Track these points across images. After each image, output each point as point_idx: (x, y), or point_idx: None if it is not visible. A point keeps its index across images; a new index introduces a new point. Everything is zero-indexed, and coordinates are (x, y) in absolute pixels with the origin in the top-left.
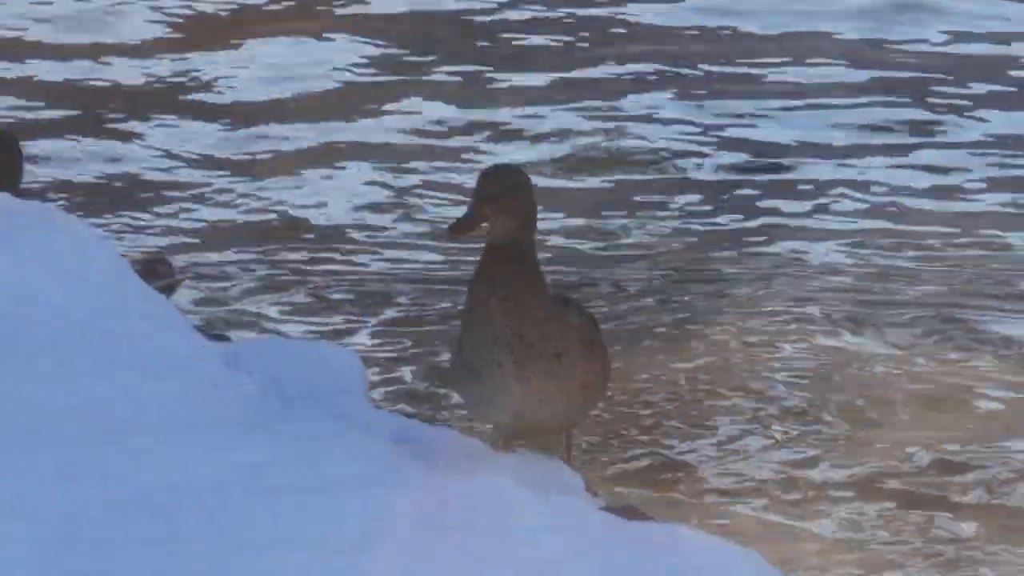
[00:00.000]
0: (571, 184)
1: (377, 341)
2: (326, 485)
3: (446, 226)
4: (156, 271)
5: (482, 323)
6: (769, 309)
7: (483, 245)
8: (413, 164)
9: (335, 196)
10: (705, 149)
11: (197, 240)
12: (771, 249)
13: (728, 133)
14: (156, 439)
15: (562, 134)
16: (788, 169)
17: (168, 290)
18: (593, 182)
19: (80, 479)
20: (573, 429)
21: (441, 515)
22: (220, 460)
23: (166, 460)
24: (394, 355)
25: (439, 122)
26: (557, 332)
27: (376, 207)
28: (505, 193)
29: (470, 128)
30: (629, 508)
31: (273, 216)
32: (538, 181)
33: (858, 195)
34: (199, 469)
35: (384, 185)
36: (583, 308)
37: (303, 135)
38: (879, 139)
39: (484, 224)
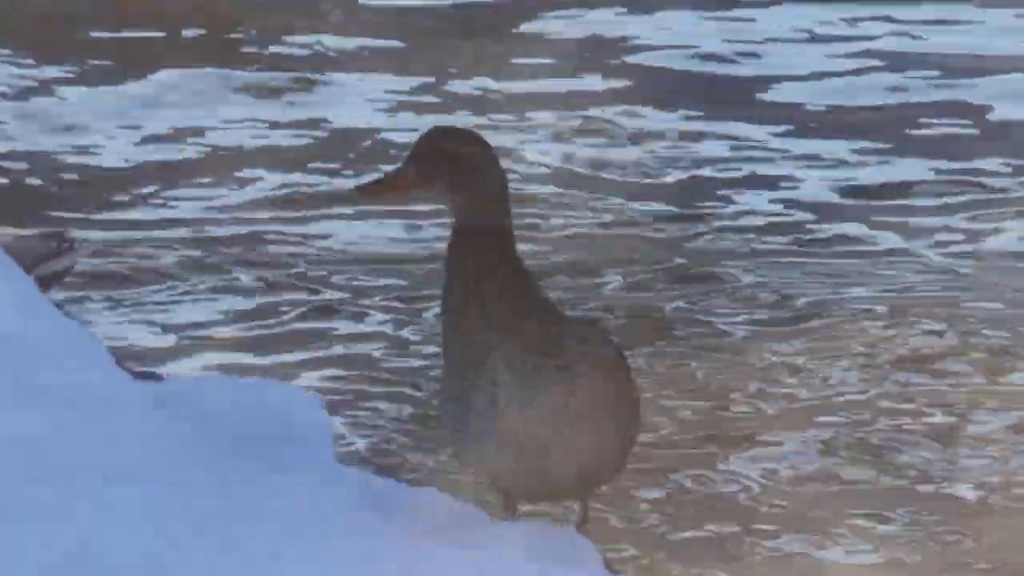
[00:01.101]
0: None
1: (338, 372)
2: (273, 553)
3: (352, 186)
4: (48, 250)
5: (462, 335)
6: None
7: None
8: None
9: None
10: None
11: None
12: None
13: None
14: (87, 485)
15: None
16: None
17: (62, 273)
18: None
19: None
20: (596, 487)
21: None
22: (160, 511)
23: (100, 510)
24: (364, 389)
25: None
26: (562, 340)
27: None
28: (455, 157)
29: None
30: None
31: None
32: None
33: None
34: (138, 521)
35: None
36: (590, 319)
37: None
38: None
39: (406, 191)
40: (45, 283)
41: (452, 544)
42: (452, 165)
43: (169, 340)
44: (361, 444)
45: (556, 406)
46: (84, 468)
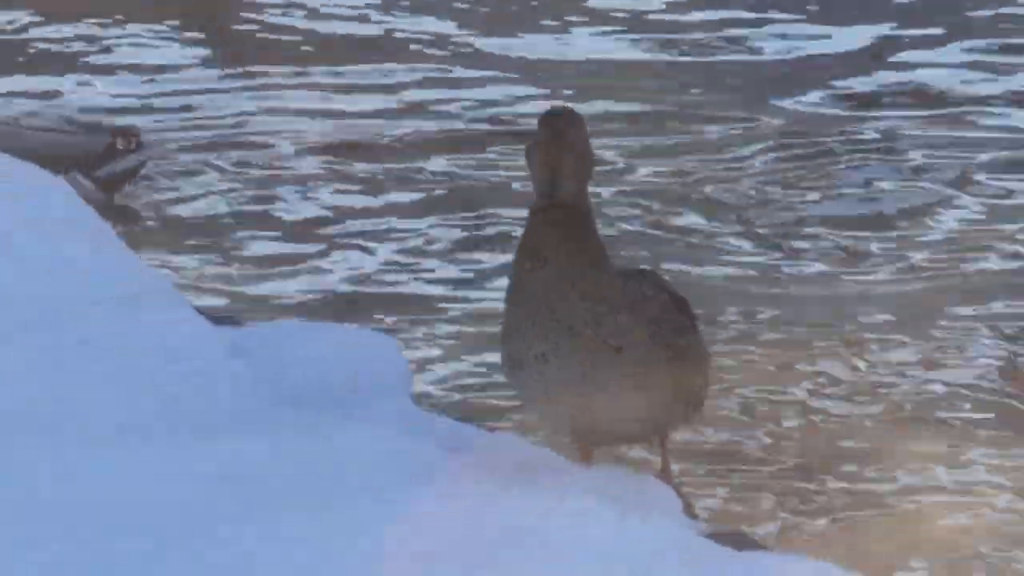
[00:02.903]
0: None
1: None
2: (350, 499)
3: (536, 200)
4: (116, 150)
5: (522, 302)
6: None
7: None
8: None
9: None
10: None
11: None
12: None
13: None
14: (144, 440)
15: None
16: None
17: (131, 173)
18: None
19: (62, 485)
20: (667, 436)
21: (500, 541)
22: (222, 465)
23: (153, 466)
24: (445, 341)
25: None
26: (619, 316)
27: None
28: (578, 141)
29: None
30: (737, 535)
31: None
32: None
33: None
34: (191, 479)
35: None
36: (662, 281)
37: None
38: None
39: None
40: (112, 185)
41: (527, 488)
42: (585, 145)
43: None
44: (436, 388)
45: (598, 381)
46: (177, 416)
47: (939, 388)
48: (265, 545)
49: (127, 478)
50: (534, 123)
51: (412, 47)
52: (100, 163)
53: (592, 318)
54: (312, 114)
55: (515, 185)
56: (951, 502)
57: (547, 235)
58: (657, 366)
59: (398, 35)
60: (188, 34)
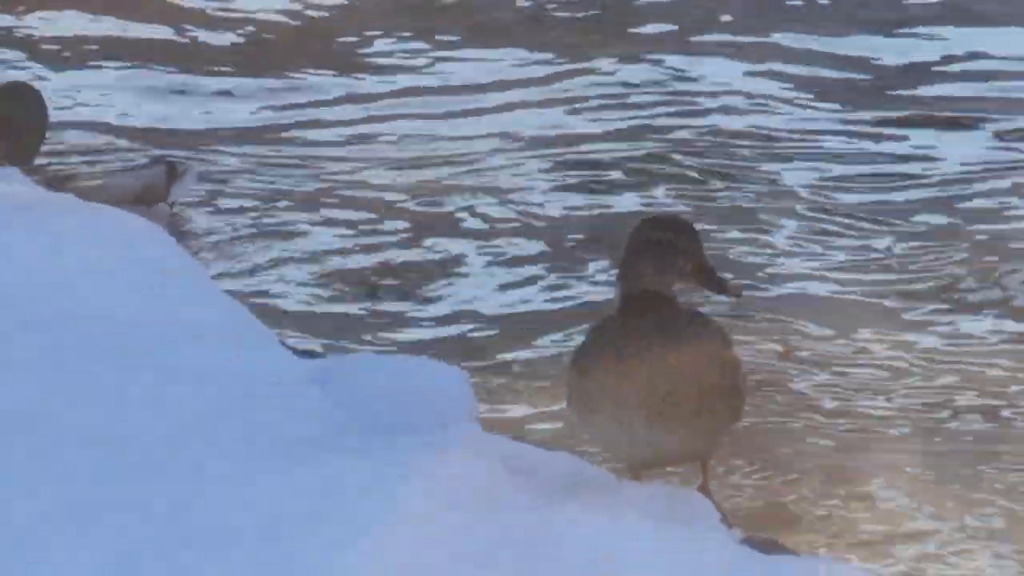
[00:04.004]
0: None
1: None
2: (424, 515)
3: (738, 293)
4: (176, 173)
5: (618, 344)
6: None
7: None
8: None
9: None
10: None
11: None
12: None
13: None
14: (265, 456)
15: None
16: None
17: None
18: None
19: (139, 507)
20: (709, 459)
21: (551, 557)
22: (310, 488)
23: (275, 482)
24: (504, 368)
25: None
26: (700, 383)
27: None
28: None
29: None
30: (769, 541)
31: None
32: None
33: None
34: (314, 494)
35: None
36: (717, 325)
37: None
38: None
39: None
40: (178, 205)
41: (579, 504)
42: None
43: None
44: (500, 414)
45: (653, 396)
46: (261, 440)
47: None
48: (342, 552)
49: (232, 498)
50: None
51: None
52: (169, 189)
53: (678, 386)
54: None
55: None
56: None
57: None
58: (718, 412)
59: None
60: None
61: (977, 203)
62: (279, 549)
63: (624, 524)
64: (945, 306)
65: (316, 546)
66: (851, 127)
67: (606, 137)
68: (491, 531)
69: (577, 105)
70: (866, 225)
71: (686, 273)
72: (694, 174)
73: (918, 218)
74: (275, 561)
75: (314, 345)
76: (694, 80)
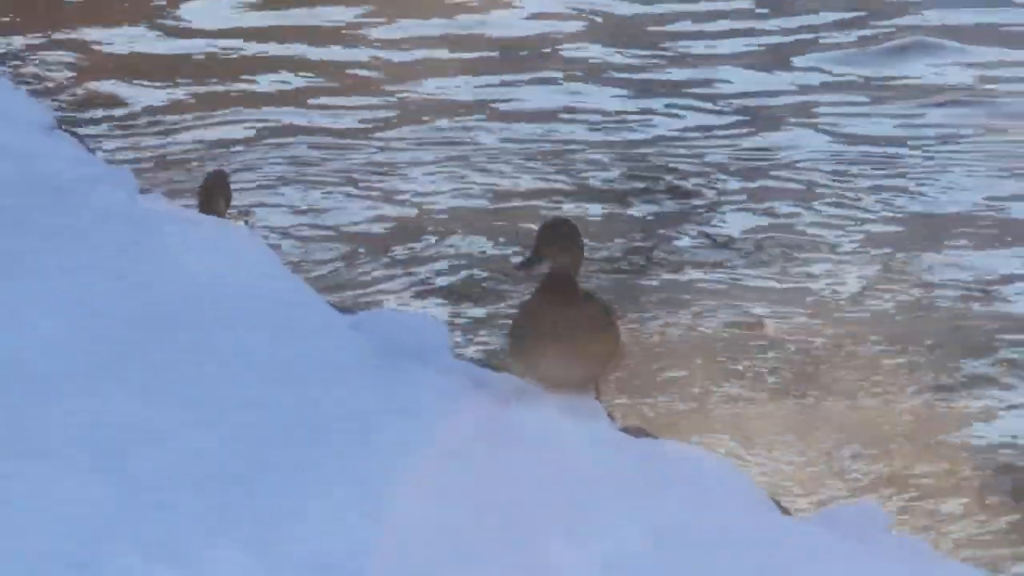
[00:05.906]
0: None
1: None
2: (421, 409)
3: (514, 264)
4: (224, 177)
5: (533, 313)
6: None
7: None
8: None
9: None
10: None
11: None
12: None
13: None
14: (317, 383)
15: None
16: None
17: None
18: None
19: (267, 404)
20: (600, 382)
21: (503, 433)
22: (359, 392)
23: (327, 399)
24: (470, 321)
25: None
26: (588, 343)
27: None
28: (564, 239)
29: None
30: (636, 428)
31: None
32: None
33: None
34: (348, 399)
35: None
36: (601, 300)
37: None
38: None
39: (543, 263)
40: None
41: (515, 406)
42: (572, 243)
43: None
44: (467, 348)
45: (559, 345)
46: (317, 372)
47: None
48: (362, 438)
49: (294, 403)
50: None
51: None
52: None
53: (570, 324)
54: None
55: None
56: None
57: (549, 287)
58: (601, 345)
59: None
60: None
61: None
62: (358, 424)
63: (550, 417)
64: None
65: (360, 419)
66: None
67: None
68: (465, 417)
69: None
70: None
71: (577, 259)
72: None
73: None
74: (356, 428)
75: (350, 304)
76: None
